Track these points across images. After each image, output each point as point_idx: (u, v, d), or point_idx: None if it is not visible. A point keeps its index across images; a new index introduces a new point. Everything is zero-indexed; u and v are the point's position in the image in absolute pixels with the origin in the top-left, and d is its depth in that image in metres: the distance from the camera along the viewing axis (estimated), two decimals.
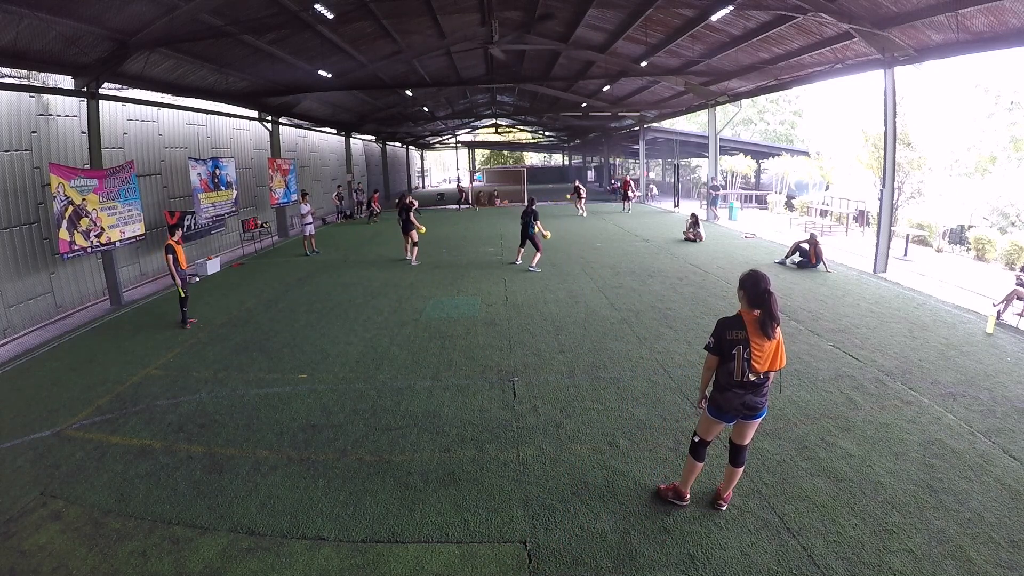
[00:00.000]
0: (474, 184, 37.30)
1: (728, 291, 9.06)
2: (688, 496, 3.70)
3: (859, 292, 9.02)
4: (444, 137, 41.82)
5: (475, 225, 19.37)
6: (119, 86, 10.43)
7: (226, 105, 14.70)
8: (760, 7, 10.21)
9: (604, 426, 4.79)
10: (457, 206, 26.05)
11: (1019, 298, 7.29)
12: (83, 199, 8.81)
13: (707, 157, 22.29)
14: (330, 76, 14.01)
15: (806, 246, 10.86)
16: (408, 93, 19.95)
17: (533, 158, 61.84)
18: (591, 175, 44.49)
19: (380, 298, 9.40)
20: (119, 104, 10.92)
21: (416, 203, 13.12)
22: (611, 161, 41.03)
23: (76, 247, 8.73)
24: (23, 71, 8.69)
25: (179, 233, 8.23)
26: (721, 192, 20.87)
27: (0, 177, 8.34)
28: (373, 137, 31.48)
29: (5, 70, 8.28)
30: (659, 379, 5.71)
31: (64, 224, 8.46)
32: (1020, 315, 7.25)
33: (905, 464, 4.06)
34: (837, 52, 11.25)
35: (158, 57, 10.22)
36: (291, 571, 3.24)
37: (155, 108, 12.32)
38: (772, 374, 3.36)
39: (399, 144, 39.28)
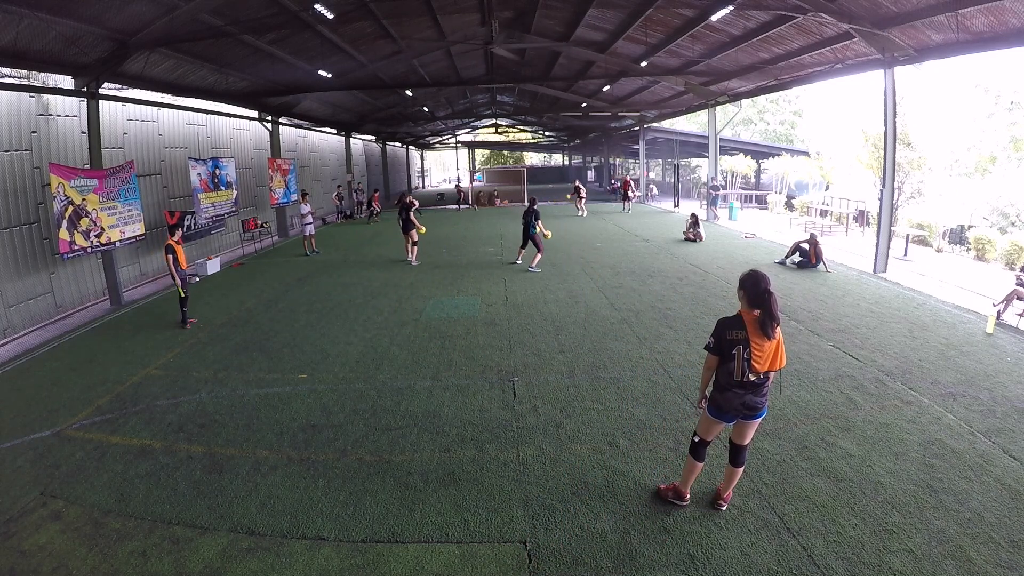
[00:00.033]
0: (474, 184, 37.32)
1: (728, 291, 9.06)
2: (688, 496, 3.70)
3: (859, 292, 9.02)
4: (444, 137, 41.82)
5: (475, 225, 19.38)
6: (119, 86, 10.43)
7: (226, 105, 14.70)
8: (760, 7, 10.21)
9: (604, 426, 4.79)
10: (457, 206, 26.06)
11: (1019, 298, 7.29)
12: (83, 199, 8.81)
13: (707, 157, 22.29)
14: (330, 76, 14.01)
15: (806, 246, 10.86)
16: (408, 93, 19.94)
17: (533, 158, 61.85)
18: (591, 175, 44.49)
19: (380, 298, 9.41)
20: (119, 104, 10.92)
21: (417, 203, 13.12)
22: (611, 161, 41.03)
23: (76, 247, 8.73)
24: (23, 71, 8.69)
25: (179, 233, 8.23)
26: (721, 192, 20.87)
27: (0, 177, 8.34)
28: (373, 137, 31.47)
29: (5, 70, 8.29)
30: (659, 379, 5.71)
31: (64, 224, 8.46)
32: (1020, 315, 7.25)
33: (905, 464, 4.06)
34: (837, 52, 11.25)
35: (158, 57, 10.22)
36: (291, 571, 3.24)
37: (155, 108, 12.32)
38: (772, 374, 3.36)
39: (399, 144, 39.28)
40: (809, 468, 4.05)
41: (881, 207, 10.65)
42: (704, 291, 9.18)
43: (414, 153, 46.79)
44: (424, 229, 12.80)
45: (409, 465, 4.31)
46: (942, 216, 16.18)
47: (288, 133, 19.75)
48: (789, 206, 22.13)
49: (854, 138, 21.93)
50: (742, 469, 3.61)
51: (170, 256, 7.79)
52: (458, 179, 36.96)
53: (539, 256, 11.19)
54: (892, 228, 11.62)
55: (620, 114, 25.70)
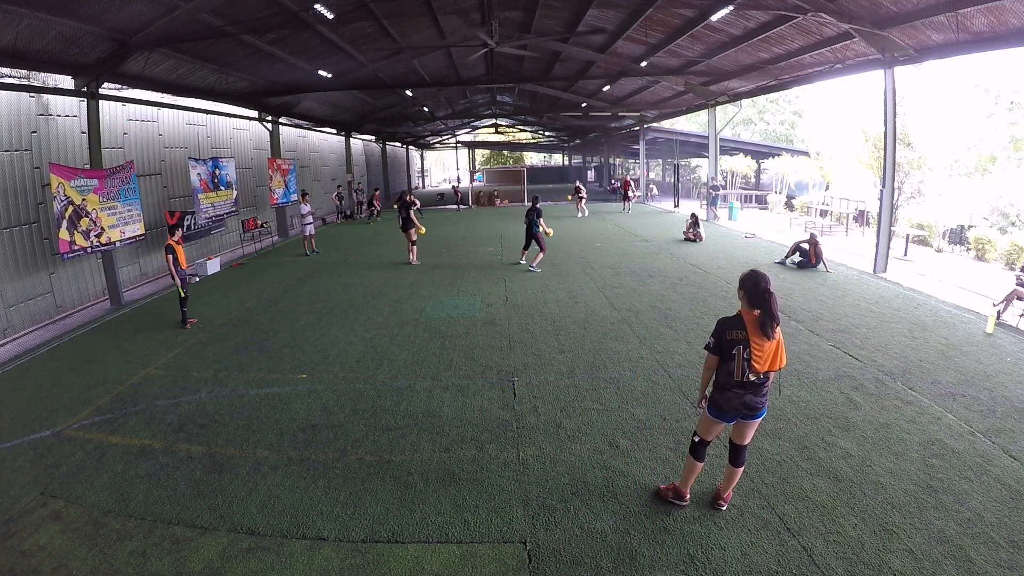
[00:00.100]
0: (474, 184, 37.29)
1: (728, 291, 9.06)
2: (688, 496, 3.70)
3: (859, 292, 9.02)
4: (444, 137, 41.81)
5: (475, 225, 19.38)
6: (119, 86, 10.43)
7: (226, 105, 14.70)
8: (760, 7, 10.21)
9: (604, 426, 4.79)
10: (457, 206, 26.07)
11: (1019, 298, 7.29)
12: (83, 199, 8.81)
13: (707, 157, 22.29)
14: (330, 76, 14.01)
15: (806, 246, 10.86)
16: (408, 93, 19.95)
17: (533, 158, 61.85)
18: (591, 175, 44.49)
19: (380, 298, 9.41)
20: (119, 104, 10.92)
21: (418, 202, 13.11)
22: (611, 161, 41.02)
23: (76, 247, 8.73)
24: (23, 71, 8.69)
25: (179, 233, 8.23)
26: (721, 192, 20.87)
27: (0, 177, 8.34)
28: (373, 137, 31.47)
29: (5, 70, 8.28)
30: (659, 379, 5.71)
31: (64, 224, 8.47)
32: (1020, 315, 7.25)
33: (905, 464, 4.06)
34: (837, 52, 11.25)
35: (158, 57, 10.22)
36: (291, 571, 3.24)
37: (155, 108, 12.32)
38: (772, 374, 3.36)
39: (399, 144, 39.28)
40: (809, 468, 4.05)
41: (881, 207, 10.65)
42: (704, 291, 9.18)
43: (414, 153, 46.78)
44: (424, 229, 12.80)
45: (409, 465, 4.31)
46: (942, 216, 16.18)
47: (288, 133, 19.75)
48: (789, 206, 22.13)
49: (854, 138, 21.94)
50: (742, 469, 3.61)
51: (170, 256, 7.80)
52: (458, 179, 36.97)
53: (541, 255, 11.21)
54: (892, 228, 11.62)
55: (620, 114, 25.70)
